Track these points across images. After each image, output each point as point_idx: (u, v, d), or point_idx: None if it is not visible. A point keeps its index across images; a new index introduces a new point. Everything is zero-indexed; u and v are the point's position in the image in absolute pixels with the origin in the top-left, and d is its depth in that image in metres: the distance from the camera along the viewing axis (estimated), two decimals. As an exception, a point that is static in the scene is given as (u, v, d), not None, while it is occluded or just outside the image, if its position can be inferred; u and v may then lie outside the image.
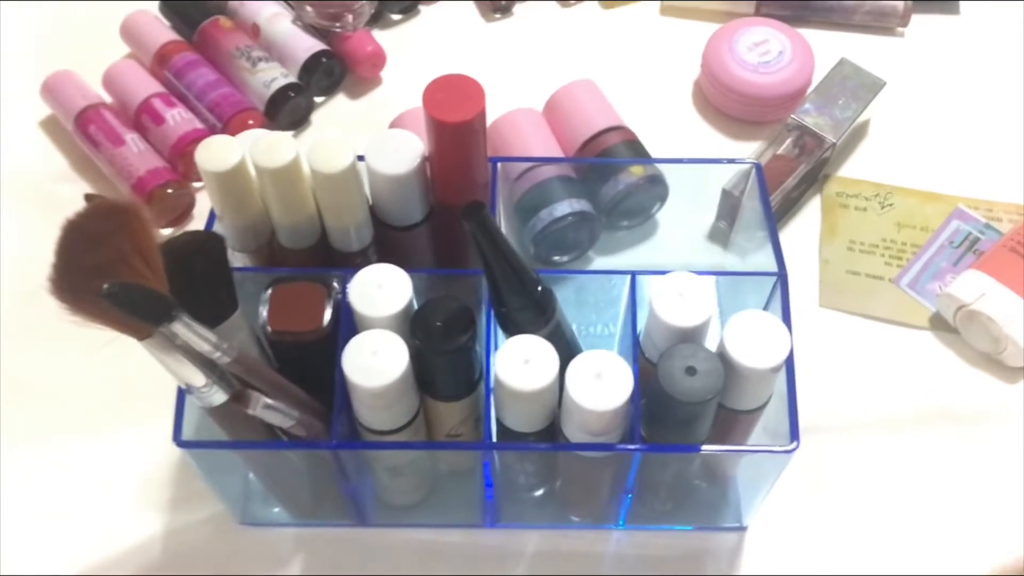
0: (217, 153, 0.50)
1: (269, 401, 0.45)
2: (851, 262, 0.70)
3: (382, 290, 0.49)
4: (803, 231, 0.72)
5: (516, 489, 0.58)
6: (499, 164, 0.59)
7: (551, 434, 0.51)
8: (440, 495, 0.60)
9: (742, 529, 0.60)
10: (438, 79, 0.51)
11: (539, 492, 0.59)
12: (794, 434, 0.49)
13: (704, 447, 0.50)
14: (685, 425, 0.49)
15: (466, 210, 0.45)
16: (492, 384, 0.49)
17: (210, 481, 0.55)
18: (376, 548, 0.59)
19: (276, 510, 0.60)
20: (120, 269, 0.41)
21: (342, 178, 0.50)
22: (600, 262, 0.70)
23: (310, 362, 0.51)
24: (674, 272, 0.50)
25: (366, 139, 0.53)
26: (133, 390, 0.61)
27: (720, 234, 0.69)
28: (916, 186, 0.73)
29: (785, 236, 0.71)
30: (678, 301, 0.49)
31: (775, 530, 0.60)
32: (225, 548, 0.60)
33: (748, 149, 0.72)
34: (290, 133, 0.51)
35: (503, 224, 0.66)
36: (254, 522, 0.60)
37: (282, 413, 0.46)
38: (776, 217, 0.70)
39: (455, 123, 0.50)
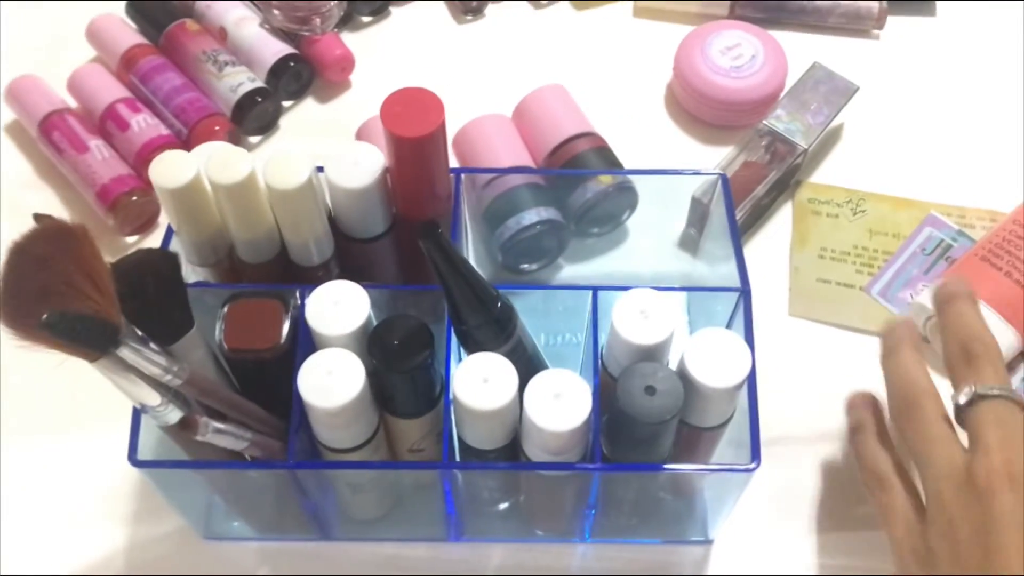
0: (171, 169, 0.49)
1: (219, 425, 0.44)
2: (822, 270, 0.69)
3: (339, 307, 0.49)
4: (774, 238, 0.71)
5: (480, 503, 0.58)
6: (463, 175, 0.58)
7: (513, 450, 0.51)
8: (405, 509, 0.60)
9: (708, 543, 0.59)
10: (396, 92, 0.50)
11: (503, 506, 0.58)
12: (755, 454, 0.48)
13: (665, 466, 0.50)
14: (645, 444, 0.49)
15: (421, 230, 0.44)
16: (451, 402, 0.49)
17: (170, 498, 0.55)
18: (340, 562, 0.59)
19: (237, 524, 0.59)
20: (66, 293, 0.41)
21: (298, 194, 0.49)
22: (570, 269, 0.69)
23: (268, 379, 0.51)
24: (635, 289, 0.50)
25: (328, 148, 0.52)
26: (95, 401, 0.60)
27: (690, 241, 0.68)
28: (889, 192, 0.73)
29: (756, 243, 0.71)
30: (639, 319, 0.49)
31: (742, 543, 0.59)
32: (188, 562, 0.59)
33: (720, 154, 0.72)
34: (245, 152, 0.50)
35: (470, 233, 0.65)
36: (217, 536, 0.60)
37: (233, 436, 0.46)
38: (747, 224, 0.70)
39: (414, 138, 0.50)
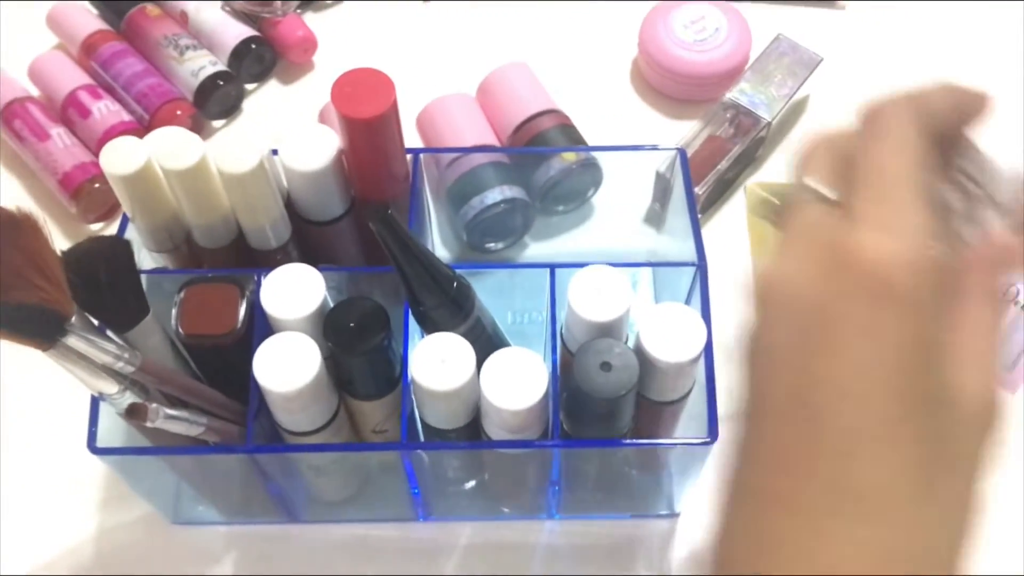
0: (122, 156, 0.49)
1: (170, 412, 0.44)
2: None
3: (294, 291, 0.48)
4: (737, 214, 0.71)
5: (446, 483, 0.58)
6: (421, 155, 0.58)
7: (474, 429, 0.51)
8: (372, 490, 0.60)
9: (675, 516, 0.60)
10: (346, 74, 0.50)
11: (470, 484, 0.58)
12: (712, 428, 0.48)
13: (623, 442, 0.50)
14: (603, 419, 0.49)
15: (370, 212, 0.44)
16: (410, 383, 0.49)
17: (134, 485, 0.55)
18: (309, 544, 0.59)
19: (205, 509, 0.60)
20: (14, 283, 0.40)
21: (250, 178, 0.49)
22: (536, 247, 0.69)
23: (227, 364, 0.51)
24: (591, 266, 0.50)
25: (287, 130, 0.52)
26: (62, 386, 0.60)
27: (656, 216, 0.68)
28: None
29: (719, 219, 0.71)
30: (595, 296, 0.49)
31: (708, 516, 0.59)
32: (158, 547, 0.59)
33: (687, 128, 0.71)
34: (196, 138, 0.50)
35: (433, 213, 0.65)
36: (186, 521, 0.60)
37: (187, 422, 0.46)
38: (712, 198, 0.70)
39: (365, 119, 0.49)
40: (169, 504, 0.59)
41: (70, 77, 0.73)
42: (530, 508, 0.59)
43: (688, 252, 0.56)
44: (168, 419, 0.44)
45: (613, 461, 0.55)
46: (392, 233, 0.45)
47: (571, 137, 0.69)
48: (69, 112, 0.71)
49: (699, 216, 0.56)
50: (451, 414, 0.49)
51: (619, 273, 0.49)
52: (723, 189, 0.71)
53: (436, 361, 0.47)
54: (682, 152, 0.57)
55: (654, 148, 0.61)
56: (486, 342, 0.51)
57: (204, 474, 0.55)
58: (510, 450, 0.50)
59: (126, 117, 0.71)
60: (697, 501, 0.59)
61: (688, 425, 0.55)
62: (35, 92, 0.74)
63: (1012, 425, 0.61)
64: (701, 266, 0.52)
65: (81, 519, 0.60)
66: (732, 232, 0.70)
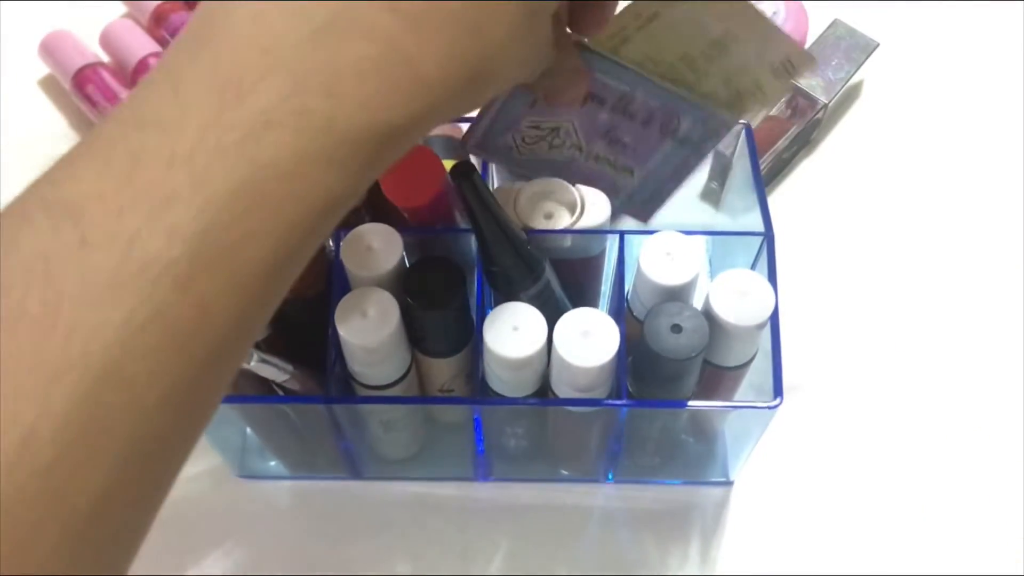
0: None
1: (264, 355, 0.46)
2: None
3: (374, 249, 0.50)
4: (795, 192, 0.72)
5: (506, 452, 0.59)
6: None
7: (542, 397, 0.52)
8: (433, 449, 0.62)
9: (728, 484, 0.61)
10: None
11: (529, 446, 0.60)
12: (778, 391, 0.49)
13: (689, 403, 0.51)
14: (671, 381, 0.50)
15: (455, 169, 0.46)
16: (482, 347, 0.50)
17: (207, 434, 0.56)
18: (370, 501, 0.61)
19: (273, 463, 0.61)
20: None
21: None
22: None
23: (305, 319, 0.52)
24: (662, 232, 0.51)
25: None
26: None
27: (712, 194, 0.69)
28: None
29: (777, 196, 0.72)
30: (665, 260, 0.50)
31: (761, 485, 0.61)
32: (223, 500, 0.61)
33: (741, 110, 0.73)
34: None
35: (496, 183, 0.67)
36: (251, 475, 0.61)
37: (276, 367, 0.47)
38: (768, 179, 0.71)
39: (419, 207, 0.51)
40: (236, 457, 0.61)
41: (140, 45, 0.75)
42: (588, 471, 0.61)
43: (747, 228, 0.57)
44: (260, 362, 0.46)
45: (674, 425, 0.57)
46: (474, 191, 0.46)
47: (631, 114, 0.70)
48: (140, 79, 0.73)
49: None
50: (520, 383, 0.50)
51: (689, 239, 0.50)
52: (779, 169, 0.72)
53: (508, 329, 0.48)
54: (747, 127, 0.58)
55: (721, 121, 0.62)
56: (555, 306, 0.53)
57: (276, 425, 0.57)
58: (577, 409, 0.52)
59: (196, 85, 0.73)
60: (751, 471, 0.61)
61: (746, 395, 0.56)
62: (106, 59, 0.76)
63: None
64: (768, 236, 0.53)
65: (148, 471, 0.61)
66: (787, 210, 0.71)
